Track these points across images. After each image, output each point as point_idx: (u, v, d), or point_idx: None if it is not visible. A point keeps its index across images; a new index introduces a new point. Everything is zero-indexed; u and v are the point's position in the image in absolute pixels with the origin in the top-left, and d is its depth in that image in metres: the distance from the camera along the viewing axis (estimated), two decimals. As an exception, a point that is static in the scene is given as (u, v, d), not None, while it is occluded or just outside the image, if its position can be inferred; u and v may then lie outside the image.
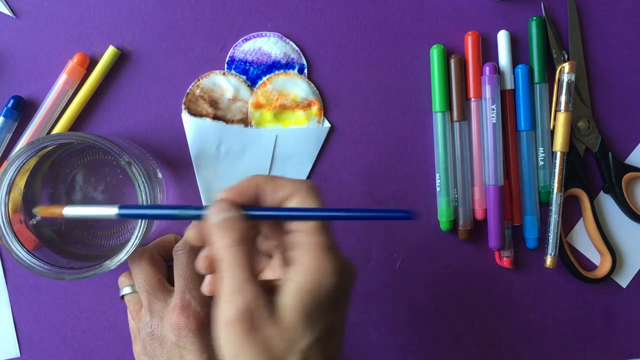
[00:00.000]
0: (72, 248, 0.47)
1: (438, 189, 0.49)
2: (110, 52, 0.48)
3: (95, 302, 0.50)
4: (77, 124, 0.49)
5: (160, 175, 0.47)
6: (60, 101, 0.48)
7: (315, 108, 0.49)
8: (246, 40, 0.49)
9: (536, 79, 0.49)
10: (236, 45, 0.49)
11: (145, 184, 0.42)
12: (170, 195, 0.50)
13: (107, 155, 0.47)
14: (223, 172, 0.49)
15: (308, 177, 0.50)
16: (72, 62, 0.48)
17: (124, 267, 0.44)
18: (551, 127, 0.49)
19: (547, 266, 0.50)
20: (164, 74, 0.49)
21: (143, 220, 0.42)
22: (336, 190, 0.50)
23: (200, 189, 0.49)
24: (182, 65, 0.49)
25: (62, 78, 0.48)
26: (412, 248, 0.50)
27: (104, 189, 0.47)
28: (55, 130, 0.48)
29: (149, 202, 0.42)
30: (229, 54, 0.49)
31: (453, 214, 0.50)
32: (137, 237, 0.42)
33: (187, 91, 0.49)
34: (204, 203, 0.49)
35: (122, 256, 0.42)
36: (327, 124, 0.50)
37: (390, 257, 0.50)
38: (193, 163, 0.49)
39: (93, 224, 0.47)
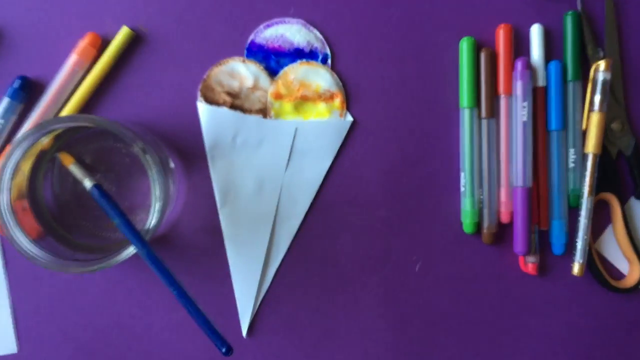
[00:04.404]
0: (76, 239, 0.45)
1: (463, 189, 0.48)
2: (123, 33, 0.46)
3: (97, 297, 0.48)
4: (86, 108, 0.47)
5: (172, 165, 0.45)
6: (68, 83, 0.46)
7: (337, 100, 0.47)
8: (268, 26, 0.47)
9: (569, 77, 0.48)
10: (257, 31, 0.47)
11: (159, 174, 0.40)
12: (181, 188, 0.47)
13: (117, 142, 0.45)
14: (238, 165, 0.47)
15: (327, 172, 0.48)
16: (83, 42, 0.46)
17: (130, 261, 0.41)
18: (583, 127, 0.48)
19: (574, 274, 0.48)
20: (180, 58, 0.47)
21: (155, 213, 0.40)
22: (356, 187, 0.48)
23: (213, 181, 0.47)
24: (199, 49, 0.47)
25: (72, 59, 0.46)
26: (433, 250, 0.49)
27: (113, 178, 0.45)
28: (62, 114, 0.46)
29: (162, 193, 0.40)
30: (249, 40, 0.47)
31: (477, 215, 0.48)
32: (146, 231, 0.40)
33: (204, 77, 0.47)
34: (217, 197, 0.47)
35: (131, 250, 0.40)
36: (349, 118, 0.48)
37: (410, 259, 0.49)
38: (207, 154, 0.47)
39: (100, 214, 0.45)
